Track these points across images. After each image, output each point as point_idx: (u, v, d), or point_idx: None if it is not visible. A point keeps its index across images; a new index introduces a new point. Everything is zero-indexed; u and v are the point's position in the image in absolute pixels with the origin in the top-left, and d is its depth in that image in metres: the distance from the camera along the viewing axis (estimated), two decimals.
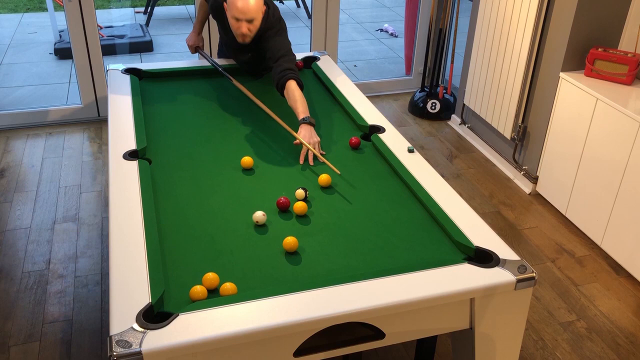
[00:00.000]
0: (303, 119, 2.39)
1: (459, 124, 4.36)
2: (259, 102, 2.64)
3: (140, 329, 1.44)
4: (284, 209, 2.00)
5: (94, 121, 4.36)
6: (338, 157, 2.34)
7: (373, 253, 1.81)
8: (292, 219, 1.96)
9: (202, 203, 2.02)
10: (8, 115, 4.21)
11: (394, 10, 7.66)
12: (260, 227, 1.91)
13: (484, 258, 1.76)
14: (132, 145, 2.31)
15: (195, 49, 3.19)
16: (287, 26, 2.84)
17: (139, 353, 1.38)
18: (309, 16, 5.18)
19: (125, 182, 2.07)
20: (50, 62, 5.62)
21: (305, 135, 2.35)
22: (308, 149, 2.32)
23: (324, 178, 2.13)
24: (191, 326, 1.46)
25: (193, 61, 3.18)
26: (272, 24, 2.71)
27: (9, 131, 4.18)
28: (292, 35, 3.13)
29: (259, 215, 1.90)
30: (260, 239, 1.86)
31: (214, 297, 1.59)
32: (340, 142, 2.46)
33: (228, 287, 1.61)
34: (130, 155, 2.24)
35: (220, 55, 3.31)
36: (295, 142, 2.38)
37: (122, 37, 5.88)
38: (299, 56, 3.23)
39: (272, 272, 1.72)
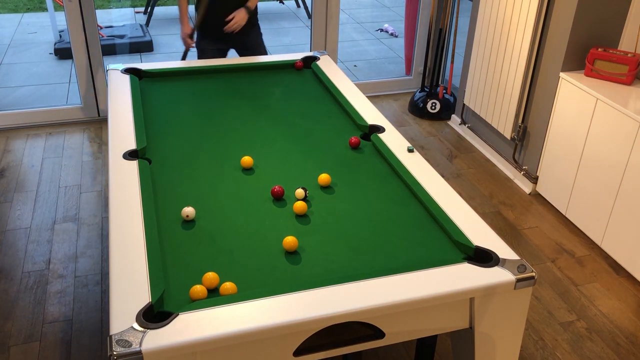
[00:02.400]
0: (246, 5, 3.36)
1: (459, 124, 4.36)
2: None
3: (140, 329, 1.44)
4: (279, 197, 2.04)
5: (94, 121, 4.36)
6: (338, 156, 2.34)
7: (373, 253, 1.81)
8: (292, 219, 1.96)
9: (202, 203, 2.02)
10: (8, 115, 4.21)
11: (394, 10, 7.66)
12: (256, 226, 1.91)
13: (483, 258, 1.76)
14: (132, 145, 2.31)
15: (190, 36, 3.45)
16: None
17: (139, 352, 1.38)
18: (309, 16, 5.18)
19: (125, 182, 2.07)
20: (50, 62, 5.62)
21: (237, 15, 3.31)
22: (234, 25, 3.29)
23: (324, 178, 2.13)
24: (191, 326, 1.46)
25: (193, 61, 3.18)
26: None
27: (9, 131, 4.18)
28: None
29: (189, 210, 1.91)
30: (260, 239, 1.86)
31: (214, 297, 1.59)
32: (340, 141, 2.46)
33: (228, 286, 1.61)
34: (130, 155, 2.24)
35: (201, 52, 3.52)
36: (228, 17, 3.31)
37: (122, 37, 5.89)
38: (299, 56, 3.23)
39: (272, 271, 1.72)
